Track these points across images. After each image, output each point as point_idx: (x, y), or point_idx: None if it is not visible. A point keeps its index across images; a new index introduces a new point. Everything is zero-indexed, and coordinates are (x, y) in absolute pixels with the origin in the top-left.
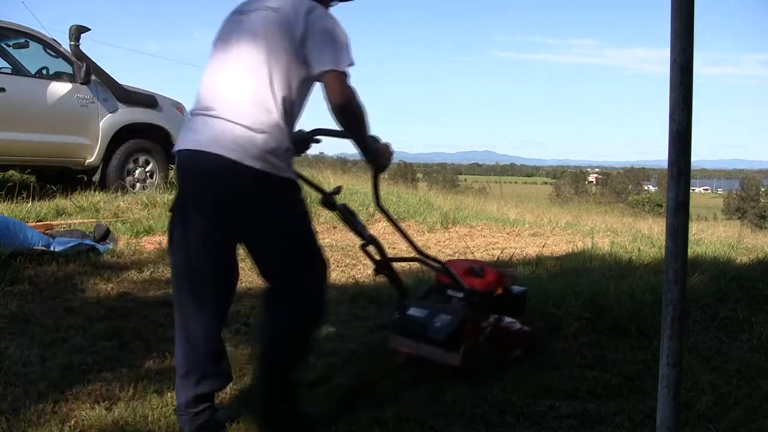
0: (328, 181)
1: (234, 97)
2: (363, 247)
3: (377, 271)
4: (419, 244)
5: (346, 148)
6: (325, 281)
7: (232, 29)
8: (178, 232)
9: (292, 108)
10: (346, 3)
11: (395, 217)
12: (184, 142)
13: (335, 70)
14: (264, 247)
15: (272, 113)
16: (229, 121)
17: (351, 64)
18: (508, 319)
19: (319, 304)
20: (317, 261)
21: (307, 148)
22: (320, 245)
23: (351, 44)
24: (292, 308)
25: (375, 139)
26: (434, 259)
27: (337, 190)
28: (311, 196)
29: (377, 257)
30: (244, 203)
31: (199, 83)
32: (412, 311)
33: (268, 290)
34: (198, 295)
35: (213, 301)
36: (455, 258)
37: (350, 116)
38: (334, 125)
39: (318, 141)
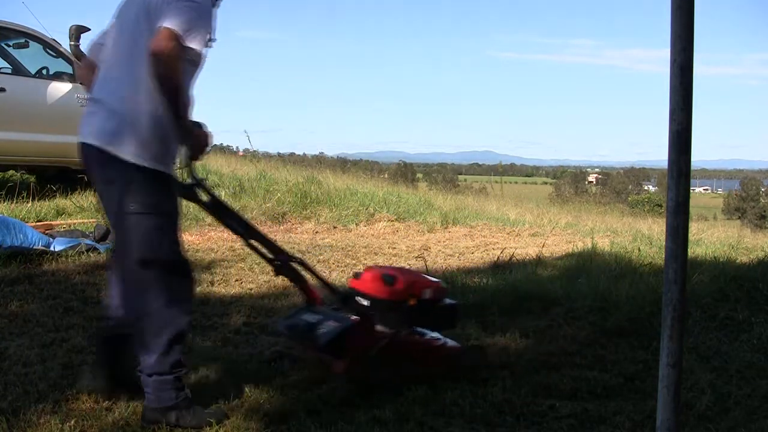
0: (328, 181)
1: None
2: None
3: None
4: (419, 244)
5: (346, 148)
6: None
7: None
8: None
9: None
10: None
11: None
12: None
13: (169, 27)
14: None
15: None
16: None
17: (189, 30)
18: (427, 333)
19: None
20: None
21: None
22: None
23: (207, 19)
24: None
25: (197, 125)
26: (289, 256)
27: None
28: None
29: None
30: None
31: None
32: (306, 315)
33: None
34: None
35: None
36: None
37: (161, 72)
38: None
39: None
